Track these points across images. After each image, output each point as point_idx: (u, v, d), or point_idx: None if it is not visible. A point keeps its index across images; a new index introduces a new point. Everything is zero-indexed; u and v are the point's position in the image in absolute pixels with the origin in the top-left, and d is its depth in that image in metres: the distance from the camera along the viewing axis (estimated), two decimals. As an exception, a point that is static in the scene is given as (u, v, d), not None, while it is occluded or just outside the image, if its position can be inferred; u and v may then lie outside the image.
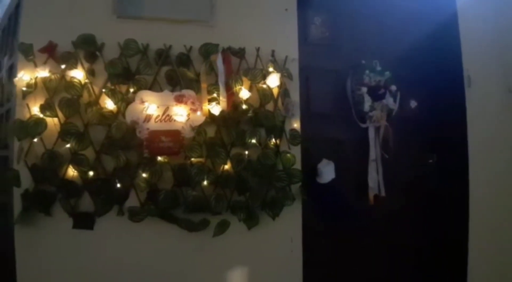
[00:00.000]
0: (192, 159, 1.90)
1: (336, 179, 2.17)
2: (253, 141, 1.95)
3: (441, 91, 2.45)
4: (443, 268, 2.43)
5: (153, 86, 1.90)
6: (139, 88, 1.86)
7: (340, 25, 2.36)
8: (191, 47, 1.95)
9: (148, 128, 1.84)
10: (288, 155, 2.03)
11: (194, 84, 1.92)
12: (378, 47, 2.38)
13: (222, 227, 1.92)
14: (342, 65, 2.31)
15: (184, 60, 1.94)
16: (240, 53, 2.01)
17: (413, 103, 2.42)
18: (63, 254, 1.82)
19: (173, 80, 1.91)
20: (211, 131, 1.95)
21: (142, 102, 1.84)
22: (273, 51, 2.06)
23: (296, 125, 2.09)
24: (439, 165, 2.43)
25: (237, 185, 1.94)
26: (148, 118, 1.84)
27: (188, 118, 1.88)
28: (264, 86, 2.02)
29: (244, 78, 1.99)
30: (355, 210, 2.25)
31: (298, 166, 2.06)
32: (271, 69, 2.03)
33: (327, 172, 2.15)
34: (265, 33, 2.09)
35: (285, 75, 2.05)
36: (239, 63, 2.02)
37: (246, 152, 1.96)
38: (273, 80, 2.01)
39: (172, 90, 1.90)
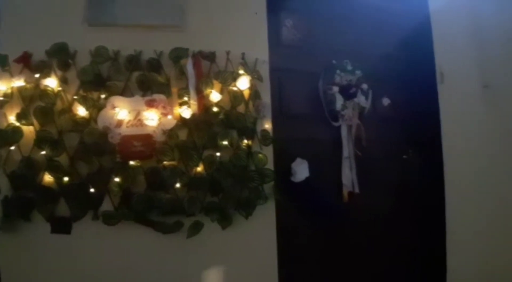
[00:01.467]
0: (165, 162, 1.94)
1: (311, 177, 2.20)
2: (225, 142, 1.99)
3: (414, 88, 2.49)
4: (420, 264, 2.46)
5: (125, 92, 1.94)
6: (111, 94, 1.90)
7: (312, 27, 2.39)
8: (161, 52, 1.99)
9: (120, 133, 1.88)
10: (260, 155, 2.06)
11: (165, 89, 1.96)
12: (350, 47, 2.41)
13: (196, 228, 1.95)
14: (314, 66, 2.34)
15: (155, 65, 1.98)
16: (210, 56, 2.05)
17: (386, 101, 2.46)
18: (43, 258, 1.86)
19: (144, 85, 1.95)
20: (183, 135, 1.99)
21: (113, 107, 1.89)
22: (243, 54, 2.10)
23: (268, 126, 2.12)
24: (414, 161, 2.47)
25: (210, 186, 1.98)
26: (119, 123, 1.89)
27: (160, 122, 1.92)
28: (235, 88, 2.06)
29: (215, 81, 2.03)
30: (330, 207, 2.29)
31: (270, 165, 2.10)
32: (241, 71, 2.07)
33: (300, 170, 2.19)
34: (236, 37, 2.12)
35: (255, 77, 2.08)
36: (210, 67, 2.05)
37: (218, 154, 2.00)
38: (243, 83, 2.05)
39: (143, 95, 1.95)
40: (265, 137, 2.09)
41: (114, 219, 1.88)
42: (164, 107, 1.93)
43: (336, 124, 2.33)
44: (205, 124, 1.99)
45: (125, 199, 1.90)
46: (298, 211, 2.26)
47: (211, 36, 2.09)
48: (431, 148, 2.44)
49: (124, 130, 1.89)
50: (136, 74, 1.96)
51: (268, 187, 2.09)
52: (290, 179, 2.21)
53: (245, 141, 2.06)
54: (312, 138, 2.33)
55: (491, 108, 2.51)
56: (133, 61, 1.96)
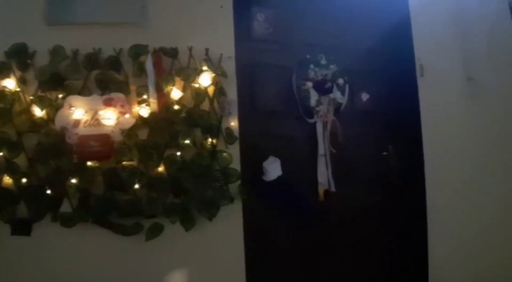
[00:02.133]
0: (124, 163, 1.89)
1: (285, 175, 2.11)
2: (187, 141, 1.93)
3: (394, 82, 2.36)
4: (401, 264, 2.33)
5: (83, 91, 1.90)
6: (69, 93, 1.87)
7: (286, 21, 2.30)
8: (121, 49, 1.94)
9: (77, 134, 1.85)
10: (224, 154, 1.99)
11: (123, 87, 1.91)
12: (326, 40, 2.29)
13: (155, 231, 1.89)
14: (288, 61, 2.24)
15: (114, 63, 1.93)
16: (172, 53, 1.98)
17: (365, 96, 2.34)
18: (3, 260, 1.85)
19: (102, 83, 1.91)
20: (143, 134, 1.93)
21: (71, 107, 1.85)
22: (207, 50, 2.03)
23: (234, 123, 2.04)
24: (394, 157, 2.34)
25: (172, 187, 1.92)
26: (76, 123, 1.85)
27: (118, 122, 1.87)
28: (198, 85, 1.98)
29: (177, 78, 1.97)
30: (304, 206, 2.19)
31: (237, 165, 2.02)
32: (205, 68, 2.00)
33: (272, 169, 2.10)
34: (199, 32, 2.05)
35: (220, 73, 2.01)
36: (172, 63, 1.99)
37: (178, 153, 1.93)
38: (205, 79, 1.97)
39: (102, 94, 1.90)
40: (229, 136, 2.01)
41: (72, 221, 1.85)
42: (122, 106, 1.88)
43: (311, 121, 2.22)
44: (165, 122, 1.92)
45: (83, 201, 1.86)
46: (270, 211, 2.16)
47: (173, 31, 2.03)
48: (412, 143, 2.30)
49: (81, 130, 1.85)
50: (95, 73, 1.92)
51: (234, 187, 2.00)
52: (262, 178, 2.11)
53: (210, 140, 1.98)
54: (286, 135, 2.24)
55: (472, 102, 2.36)
56: (92, 60, 1.91)
